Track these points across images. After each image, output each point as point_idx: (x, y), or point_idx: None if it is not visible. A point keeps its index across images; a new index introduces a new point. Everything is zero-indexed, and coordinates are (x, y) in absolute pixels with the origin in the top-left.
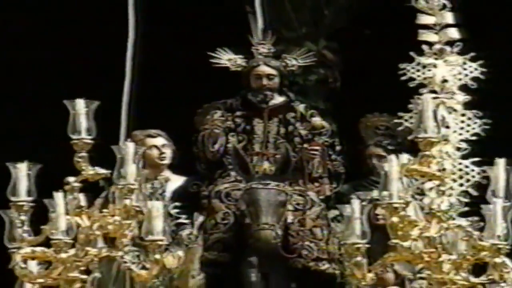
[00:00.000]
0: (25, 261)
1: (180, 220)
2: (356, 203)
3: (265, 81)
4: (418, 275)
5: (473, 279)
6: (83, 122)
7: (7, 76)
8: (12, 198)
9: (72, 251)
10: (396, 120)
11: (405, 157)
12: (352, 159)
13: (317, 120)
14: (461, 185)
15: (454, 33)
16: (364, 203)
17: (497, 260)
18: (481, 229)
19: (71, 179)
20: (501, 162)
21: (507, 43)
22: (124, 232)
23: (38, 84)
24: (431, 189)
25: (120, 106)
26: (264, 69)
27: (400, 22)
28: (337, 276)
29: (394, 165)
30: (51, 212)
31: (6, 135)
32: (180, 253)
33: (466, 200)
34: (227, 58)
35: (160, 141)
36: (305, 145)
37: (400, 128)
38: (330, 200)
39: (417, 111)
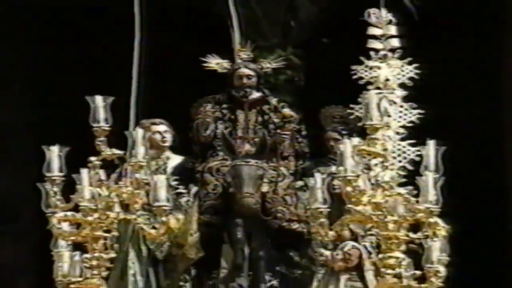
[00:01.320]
0: (59, 223)
1: (179, 190)
2: (318, 176)
3: (245, 80)
4: (368, 232)
5: (412, 235)
6: (101, 114)
7: (42, 76)
8: (47, 174)
9: (95, 215)
10: (348, 111)
11: (356, 140)
12: (314, 142)
13: (286, 111)
14: (400, 161)
15: (395, 43)
16: (324, 176)
17: (431, 220)
18: (416, 196)
19: (93, 158)
20: (431, 143)
21: (436, 51)
22: (135, 199)
23: (69, 82)
24: (376, 165)
25: (130, 100)
26: (244, 71)
27: (353, 33)
28: (305, 233)
29: (347, 146)
30: (78, 185)
31: (42, 123)
32: (180, 216)
33: (404, 173)
34: (215, 62)
35: (162, 127)
36: (278, 131)
37: (351, 117)
38: (298, 174)
39: (364, 103)
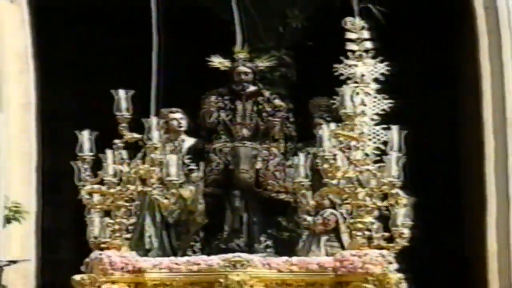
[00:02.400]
0: (89, 194)
1: (190, 167)
2: (301, 156)
3: (243, 76)
4: (344, 201)
5: (379, 203)
6: (123, 104)
7: (79, 70)
8: (79, 154)
9: (118, 188)
10: (332, 101)
11: (333, 125)
12: (304, 127)
13: (277, 101)
14: (375, 143)
15: (368, 45)
16: (307, 155)
17: (393, 191)
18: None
19: (117, 141)
20: (395, 128)
21: (402, 51)
22: (151, 175)
23: (101, 76)
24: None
25: (150, 92)
26: (242, 68)
27: (334, 37)
28: (292, 202)
29: (325, 130)
30: (104, 163)
31: (75, 112)
32: (191, 188)
33: (378, 152)
34: (218, 61)
35: (178, 115)
36: (270, 118)
37: (334, 106)
38: (286, 154)
39: (340, 95)
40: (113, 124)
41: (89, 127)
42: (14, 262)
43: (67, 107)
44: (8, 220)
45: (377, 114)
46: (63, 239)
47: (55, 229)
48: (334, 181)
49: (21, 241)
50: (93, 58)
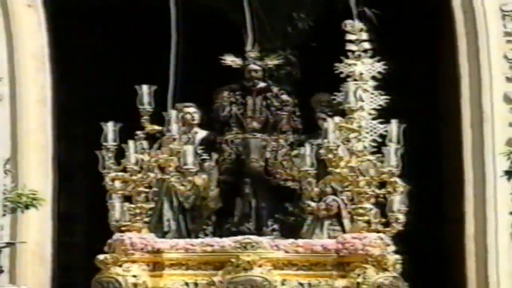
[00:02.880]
0: (112, 181)
1: (203, 157)
2: (307, 146)
3: (253, 74)
4: (345, 189)
5: (378, 191)
6: (146, 98)
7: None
8: (104, 143)
9: (139, 175)
10: (332, 97)
11: (337, 119)
12: (307, 120)
13: (284, 97)
14: (372, 135)
15: (366, 45)
16: (312, 146)
17: (392, 179)
18: (382, 161)
19: (138, 132)
20: (394, 122)
21: (397, 52)
22: (169, 164)
23: (123, 73)
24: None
25: (167, 88)
26: (253, 66)
27: (336, 38)
28: (297, 189)
29: (330, 123)
30: (126, 152)
31: (100, 105)
32: (204, 176)
33: (374, 144)
34: (231, 60)
35: (192, 109)
36: (278, 112)
37: (335, 102)
38: (293, 144)
39: (344, 91)
40: (136, 117)
41: (102, 120)
42: (12, 243)
43: (80, 102)
44: (26, 206)
45: (374, 109)
46: (76, 223)
47: (69, 215)
48: (338, 170)
49: (38, 226)
50: (105, 58)
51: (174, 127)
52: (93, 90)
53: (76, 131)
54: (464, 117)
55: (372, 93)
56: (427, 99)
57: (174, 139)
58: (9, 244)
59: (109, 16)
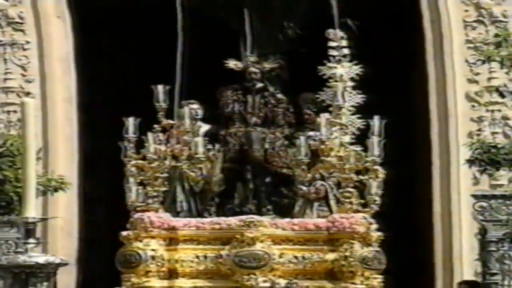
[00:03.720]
0: (132, 168)
1: (207, 147)
2: (302, 138)
3: (252, 76)
4: (332, 175)
5: (361, 177)
6: (161, 96)
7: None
8: (125, 135)
9: (156, 163)
10: (316, 96)
11: (326, 115)
12: (297, 116)
13: (279, 96)
14: (348, 129)
15: (346, 51)
16: (306, 138)
17: (374, 167)
18: (365, 150)
19: (156, 125)
20: (376, 117)
21: (375, 57)
22: (182, 153)
23: (137, 73)
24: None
25: (174, 87)
26: (252, 69)
27: (320, 45)
28: (291, 175)
29: (323, 118)
30: (145, 143)
31: (107, 103)
32: (208, 164)
33: (353, 136)
34: (233, 63)
35: (196, 106)
36: (274, 109)
37: (318, 100)
38: (288, 136)
39: (333, 91)
40: (153, 112)
41: (122, 115)
42: (45, 219)
43: (101, 99)
44: (55, 189)
45: (352, 106)
46: (98, 204)
47: (92, 197)
48: (328, 159)
49: (65, 206)
50: (123, 61)
51: (187, 121)
52: (113, 89)
53: (97, 125)
54: (432, 113)
55: (351, 93)
56: (401, 97)
57: (187, 132)
58: (42, 220)
59: (126, 26)
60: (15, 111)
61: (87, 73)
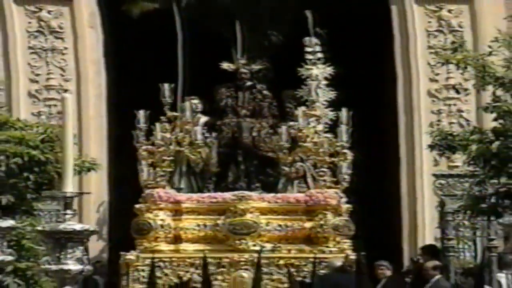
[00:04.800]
0: (144, 152)
1: (206, 135)
2: (283, 127)
3: (243, 75)
4: (308, 157)
5: (333, 159)
6: (167, 92)
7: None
8: (137, 125)
9: (163, 148)
10: (295, 92)
11: (303, 108)
12: (280, 109)
13: (265, 92)
14: (321, 119)
15: (320, 55)
16: (286, 127)
17: (343, 151)
18: (336, 137)
19: (162, 117)
20: (344, 110)
21: (342, 58)
22: (184, 140)
23: (144, 74)
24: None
25: (178, 85)
26: (242, 70)
27: (297, 50)
28: (275, 158)
29: (300, 110)
30: (154, 131)
31: (132, 99)
32: (206, 149)
33: (326, 125)
34: (226, 65)
35: (196, 101)
36: (261, 103)
37: (298, 95)
38: (272, 126)
39: (308, 88)
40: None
41: (141, 108)
42: (82, 193)
43: (126, 95)
44: (88, 169)
45: (325, 101)
46: (123, 182)
47: (119, 176)
48: (306, 144)
49: (96, 184)
50: (141, 63)
51: (188, 114)
52: (134, 87)
53: (122, 117)
54: (400, 106)
55: (324, 89)
56: (375, 92)
57: (188, 122)
58: (78, 195)
59: (144, 36)
60: (55, 105)
61: (115, 73)
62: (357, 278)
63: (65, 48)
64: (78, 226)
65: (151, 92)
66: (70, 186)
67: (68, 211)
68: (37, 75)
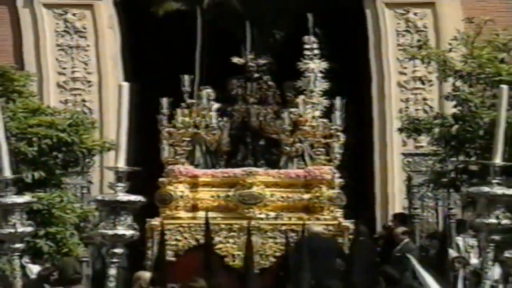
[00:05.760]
0: (165, 133)
1: (219, 119)
2: (285, 113)
3: (251, 68)
4: (307, 139)
5: (328, 140)
6: (186, 83)
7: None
8: (161, 110)
9: (182, 130)
10: (295, 83)
11: (302, 96)
12: (282, 97)
13: (270, 83)
14: (317, 106)
15: (316, 51)
16: (288, 113)
17: (337, 133)
18: (330, 120)
19: (182, 103)
20: (338, 98)
21: (332, 55)
22: (201, 123)
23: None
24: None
25: (195, 76)
26: (251, 64)
27: (297, 47)
28: (278, 139)
29: (300, 99)
30: (175, 116)
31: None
32: (219, 132)
33: (322, 111)
34: (237, 59)
35: (210, 90)
36: (266, 92)
37: (297, 86)
38: (276, 112)
39: (307, 78)
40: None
41: (158, 96)
42: (133, 169)
43: (145, 86)
44: (108, 149)
45: (321, 90)
46: (141, 160)
47: (135, 156)
48: (304, 127)
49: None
50: (158, 58)
51: (204, 101)
52: (151, 79)
53: (138, 104)
54: (373, 95)
55: (320, 81)
56: (356, 84)
57: (204, 108)
58: (129, 170)
59: (160, 33)
60: (80, 94)
61: (131, 68)
62: (354, 241)
63: (88, 46)
64: (132, 197)
65: (162, 83)
66: (122, 162)
67: (120, 184)
68: (64, 68)
